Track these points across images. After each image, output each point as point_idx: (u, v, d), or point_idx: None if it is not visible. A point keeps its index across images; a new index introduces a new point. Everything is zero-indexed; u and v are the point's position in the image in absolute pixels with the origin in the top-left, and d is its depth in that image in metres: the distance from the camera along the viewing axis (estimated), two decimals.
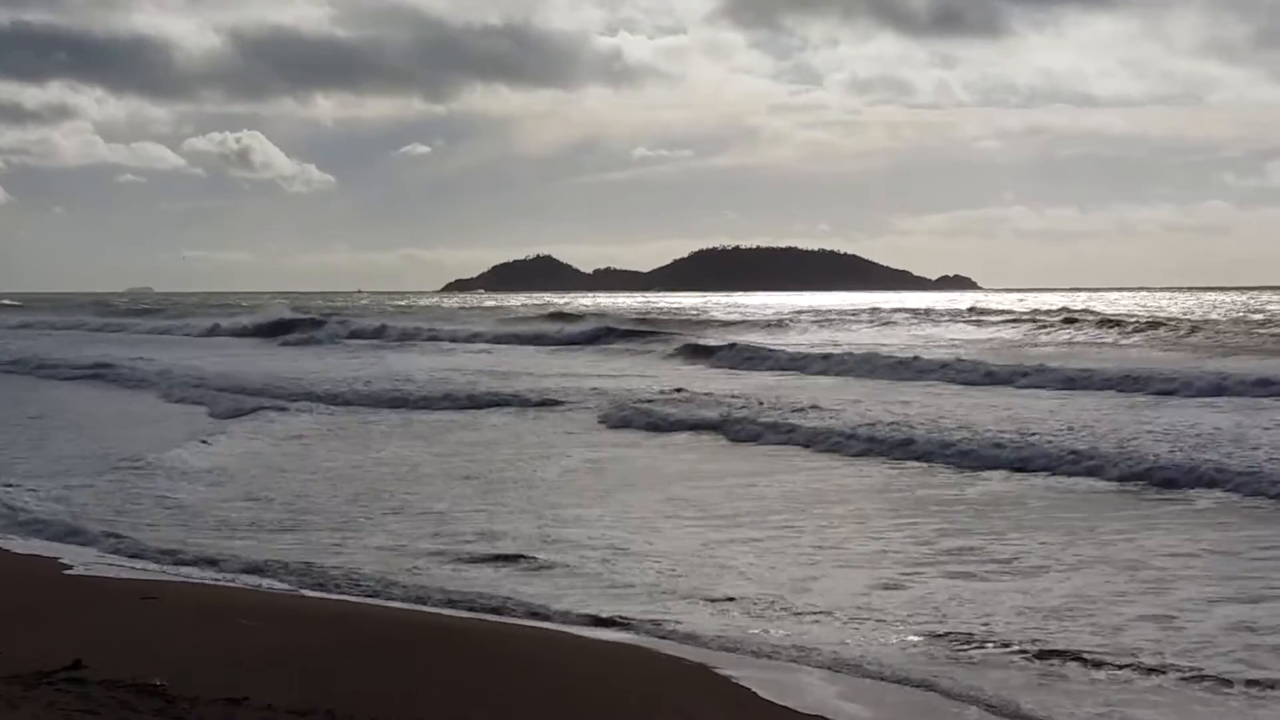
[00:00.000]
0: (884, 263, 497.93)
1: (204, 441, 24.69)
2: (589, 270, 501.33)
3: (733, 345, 52.88)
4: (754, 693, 9.51)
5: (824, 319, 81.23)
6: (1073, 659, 10.33)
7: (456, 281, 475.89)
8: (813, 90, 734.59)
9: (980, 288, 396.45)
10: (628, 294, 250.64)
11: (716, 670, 10.08)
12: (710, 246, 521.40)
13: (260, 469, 21.71)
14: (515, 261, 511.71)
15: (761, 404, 30.31)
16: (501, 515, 17.12)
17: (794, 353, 48.12)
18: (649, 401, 31.38)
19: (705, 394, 33.60)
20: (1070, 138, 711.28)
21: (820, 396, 32.25)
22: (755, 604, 12.25)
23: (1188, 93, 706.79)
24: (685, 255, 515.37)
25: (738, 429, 26.02)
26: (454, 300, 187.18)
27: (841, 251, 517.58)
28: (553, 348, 62.12)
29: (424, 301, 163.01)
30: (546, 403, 32.45)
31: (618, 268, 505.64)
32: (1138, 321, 63.49)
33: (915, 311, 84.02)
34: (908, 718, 9.21)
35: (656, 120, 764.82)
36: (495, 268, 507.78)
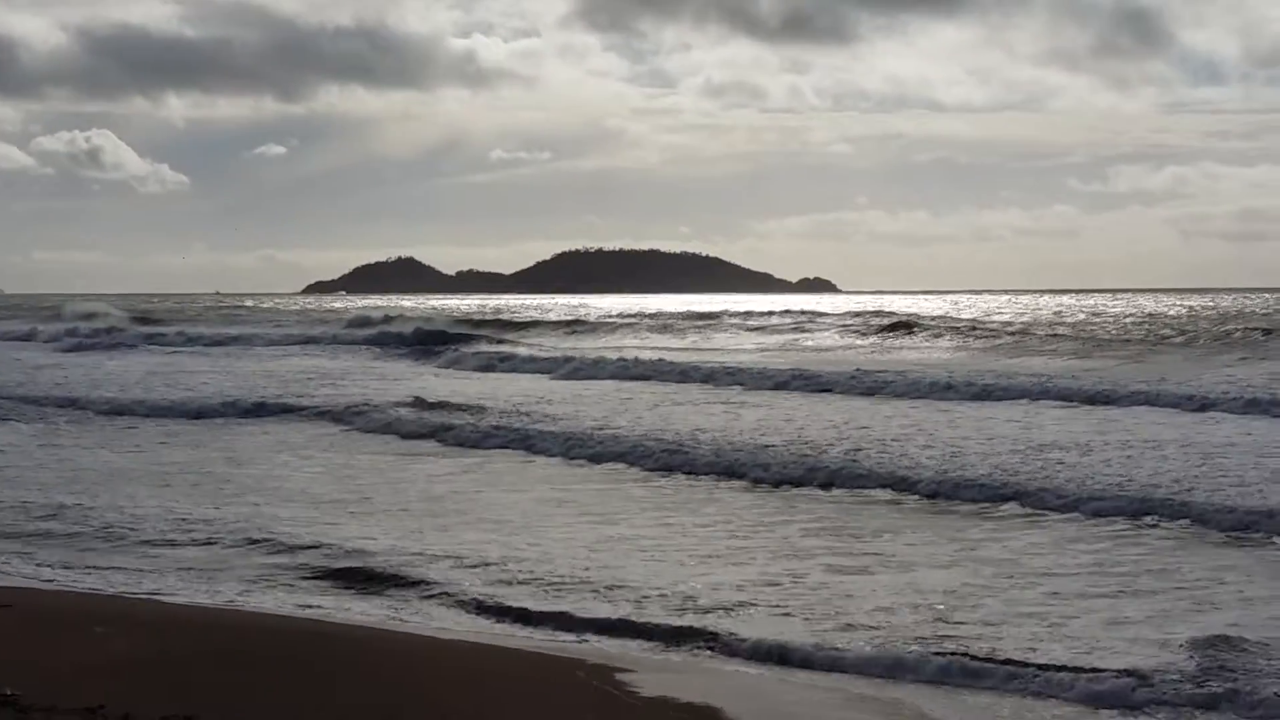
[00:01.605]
0: (746, 265, 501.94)
1: None
2: (451, 272, 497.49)
3: (477, 351, 54.74)
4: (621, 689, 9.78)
5: (628, 322, 79.91)
6: None
7: (317, 283, 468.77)
8: (668, 94, 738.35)
9: (840, 290, 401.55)
10: (488, 295, 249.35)
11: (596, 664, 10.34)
12: (573, 249, 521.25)
13: None
14: (377, 263, 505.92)
15: (484, 409, 29.79)
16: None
17: (546, 358, 49.55)
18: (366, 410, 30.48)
19: (439, 402, 31.75)
20: (920, 143, 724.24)
21: (553, 399, 33.23)
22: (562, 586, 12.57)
23: (1031, 99, 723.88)
24: (548, 257, 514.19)
25: (458, 435, 26.20)
26: (296, 303, 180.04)
27: (703, 254, 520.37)
28: (332, 348, 61.54)
29: (273, 304, 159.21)
30: (271, 410, 31.55)
31: (480, 269, 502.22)
32: (936, 326, 65.26)
33: (751, 314, 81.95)
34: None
35: (514, 122, 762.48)
36: (357, 269, 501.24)
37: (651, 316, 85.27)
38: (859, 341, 62.01)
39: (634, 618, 12.02)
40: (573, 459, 23.28)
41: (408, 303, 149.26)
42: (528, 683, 10.03)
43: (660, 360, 45.10)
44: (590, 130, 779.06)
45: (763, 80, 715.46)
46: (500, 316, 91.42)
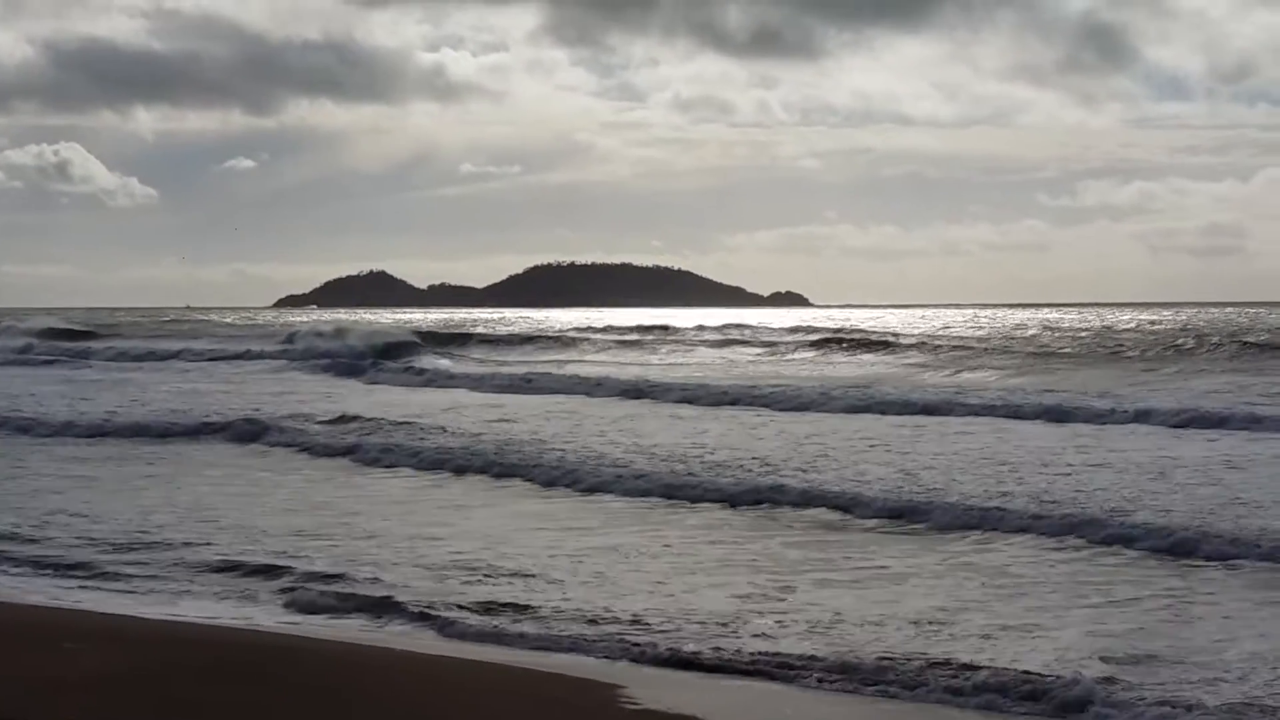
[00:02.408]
0: (717, 279, 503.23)
1: None
2: (424, 285, 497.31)
3: (410, 367, 54.40)
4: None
5: (586, 336, 78.39)
6: None
7: (289, 297, 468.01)
8: (637, 109, 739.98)
9: (812, 304, 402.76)
10: (460, 309, 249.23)
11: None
12: (545, 262, 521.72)
13: None
14: (348, 277, 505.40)
15: (396, 424, 29.14)
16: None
17: (478, 373, 49.93)
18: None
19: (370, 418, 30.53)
20: (888, 157, 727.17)
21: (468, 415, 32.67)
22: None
23: (998, 114, 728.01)
24: (520, 271, 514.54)
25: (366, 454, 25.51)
26: (262, 317, 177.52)
27: (675, 267, 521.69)
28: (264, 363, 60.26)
29: (234, 319, 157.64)
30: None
31: (452, 283, 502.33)
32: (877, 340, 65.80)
33: (704, 327, 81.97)
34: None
35: (483, 136, 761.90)
36: (328, 283, 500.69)
37: (603, 331, 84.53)
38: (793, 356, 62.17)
39: (626, 634, 11.93)
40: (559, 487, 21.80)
41: (382, 316, 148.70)
42: (513, 697, 9.98)
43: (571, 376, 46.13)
44: (560, 144, 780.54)
45: (731, 95, 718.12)
46: (460, 330, 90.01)
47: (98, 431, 30.09)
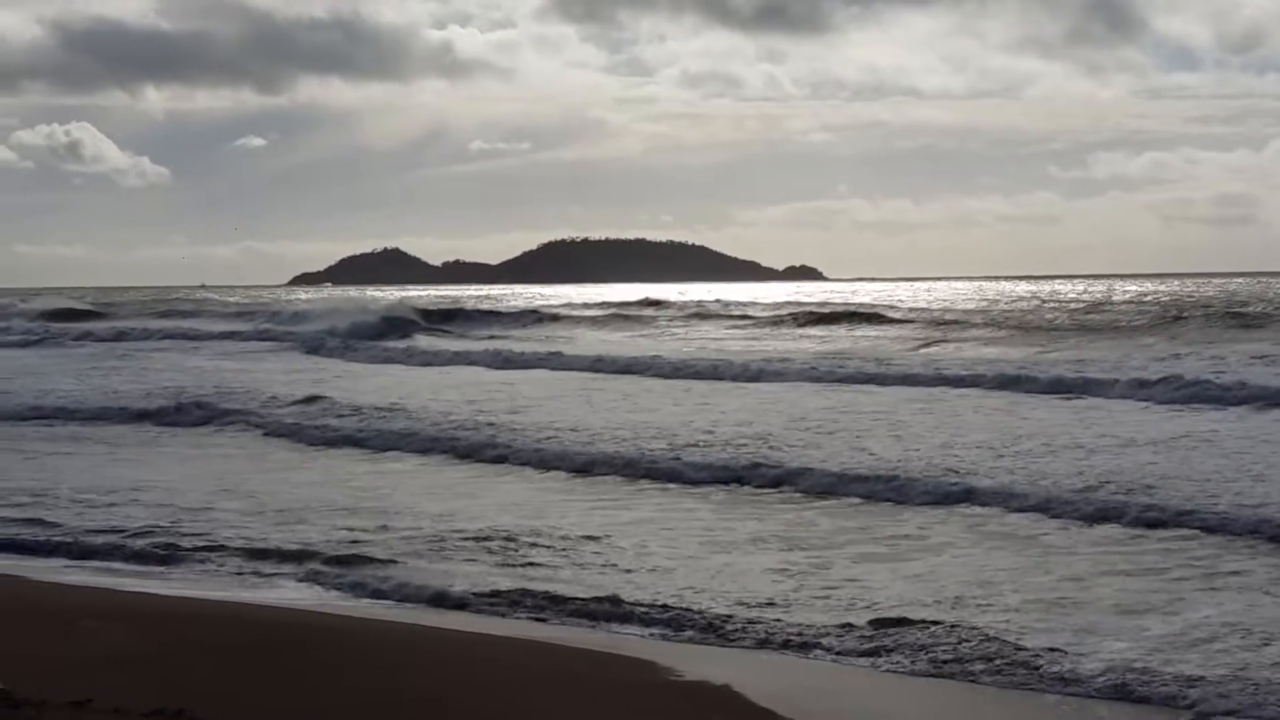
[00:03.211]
0: (732, 254, 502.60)
1: None
2: (438, 263, 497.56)
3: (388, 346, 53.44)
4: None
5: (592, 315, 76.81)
6: None
7: (303, 275, 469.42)
8: (645, 84, 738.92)
9: (826, 278, 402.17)
10: (475, 286, 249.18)
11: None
12: (559, 238, 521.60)
13: None
14: (363, 254, 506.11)
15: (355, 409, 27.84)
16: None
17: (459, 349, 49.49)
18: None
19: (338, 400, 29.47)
20: (898, 131, 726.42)
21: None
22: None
23: (1006, 87, 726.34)
24: (534, 247, 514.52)
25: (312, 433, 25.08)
26: (277, 295, 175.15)
27: (690, 243, 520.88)
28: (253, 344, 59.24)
29: (251, 297, 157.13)
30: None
31: (467, 260, 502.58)
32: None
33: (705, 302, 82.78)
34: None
35: (493, 113, 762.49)
36: (343, 260, 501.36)
37: (599, 306, 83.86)
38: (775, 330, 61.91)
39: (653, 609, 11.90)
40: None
41: (394, 293, 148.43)
42: (529, 671, 9.95)
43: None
44: (570, 120, 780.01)
45: (739, 69, 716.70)
46: (455, 306, 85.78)
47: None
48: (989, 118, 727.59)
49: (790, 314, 68.39)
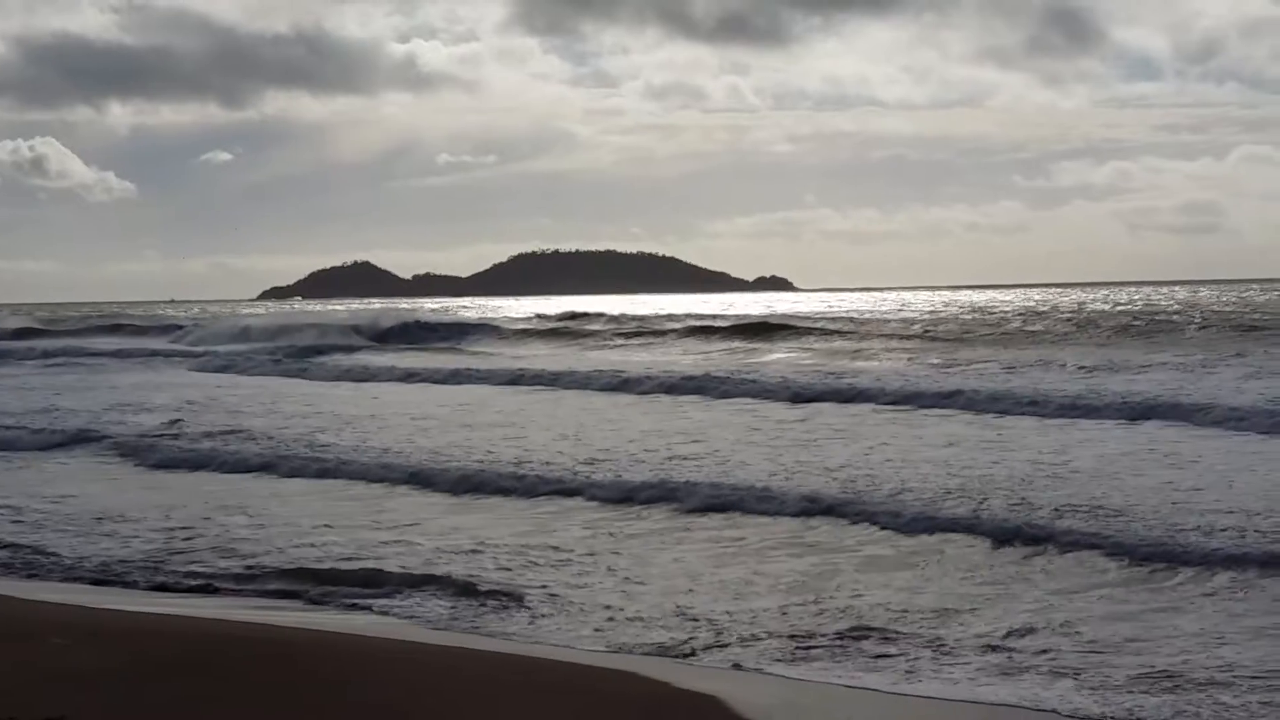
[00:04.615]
0: (702, 265, 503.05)
1: None
2: (408, 276, 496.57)
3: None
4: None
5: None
6: None
7: (273, 289, 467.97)
8: (610, 96, 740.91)
9: (796, 288, 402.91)
10: (444, 299, 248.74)
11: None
12: (528, 250, 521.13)
13: None
14: (333, 268, 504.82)
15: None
16: None
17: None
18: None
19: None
20: (862, 141, 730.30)
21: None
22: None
23: (967, 97, 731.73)
24: (504, 260, 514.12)
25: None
26: (241, 309, 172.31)
27: (660, 254, 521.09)
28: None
29: (227, 310, 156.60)
30: None
31: (437, 273, 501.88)
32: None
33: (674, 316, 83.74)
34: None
35: (459, 126, 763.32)
36: (313, 274, 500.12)
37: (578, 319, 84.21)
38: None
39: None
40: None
41: (369, 305, 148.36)
42: (507, 686, 10.03)
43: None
44: (536, 132, 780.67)
45: (703, 81, 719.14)
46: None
47: None
48: (952, 127, 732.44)
49: (702, 327, 69.18)
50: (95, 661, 10.07)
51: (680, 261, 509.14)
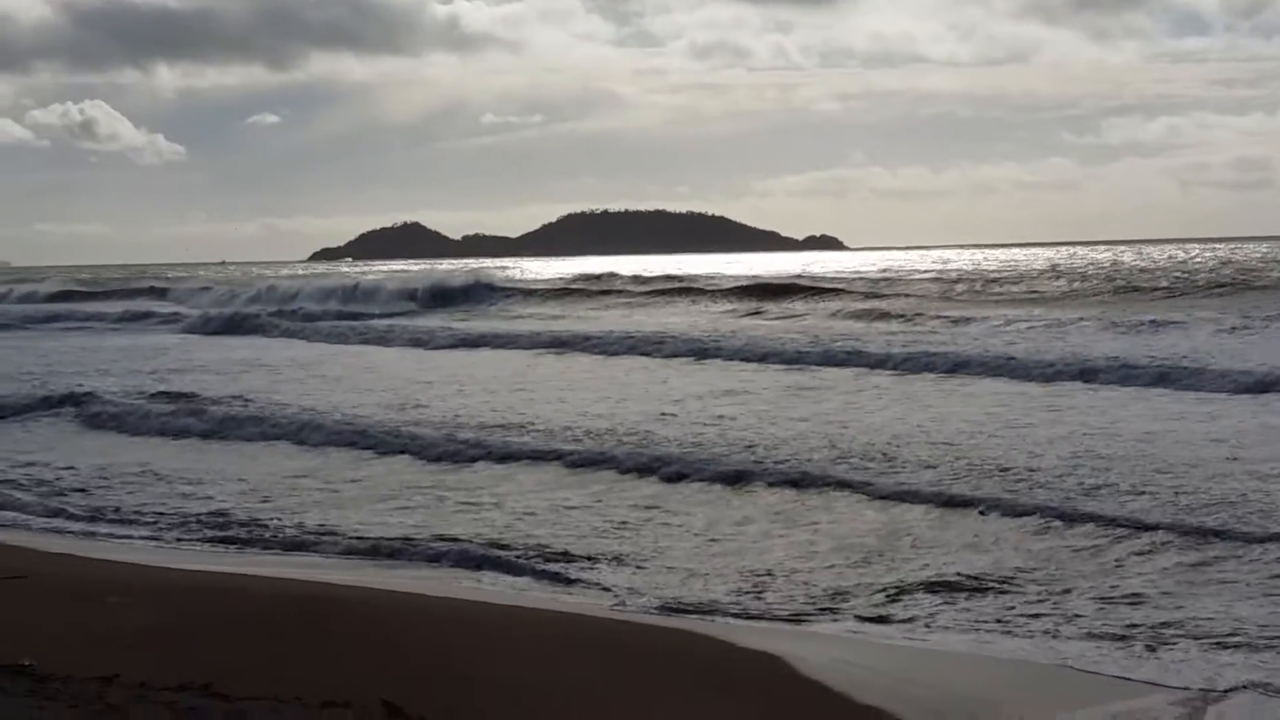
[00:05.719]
0: (752, 224, 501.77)
1: None
2: (457, 236, 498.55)
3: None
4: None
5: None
6: None
7: (323, 250, 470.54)
8: (655, 56, 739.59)
9: (847, 247, 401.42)
10: (493, 259, 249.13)
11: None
12: (578, 210, 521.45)
13: None
14: (382, 229, 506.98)
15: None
16: None
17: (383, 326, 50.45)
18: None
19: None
20: (910, 98, 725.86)
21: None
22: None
23: (1013, 54, 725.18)
24: (554, 220, 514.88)
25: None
26: (295, 270, 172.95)
27: (709, 214, 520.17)
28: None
29: (285, 272, 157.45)
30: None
31: (486, 233, 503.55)
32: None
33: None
34: None
35: (504, 86, 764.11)
36: (363, 235, 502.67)
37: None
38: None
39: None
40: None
41: (414, 267, 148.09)
42: (567, 646, 9.95)
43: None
44: (580, 92, 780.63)
45: (747, 40, 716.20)
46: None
47: None
48: (998, 84, 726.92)
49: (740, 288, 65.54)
50: (149, 619, 10.06)
51: (730, 221, 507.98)
